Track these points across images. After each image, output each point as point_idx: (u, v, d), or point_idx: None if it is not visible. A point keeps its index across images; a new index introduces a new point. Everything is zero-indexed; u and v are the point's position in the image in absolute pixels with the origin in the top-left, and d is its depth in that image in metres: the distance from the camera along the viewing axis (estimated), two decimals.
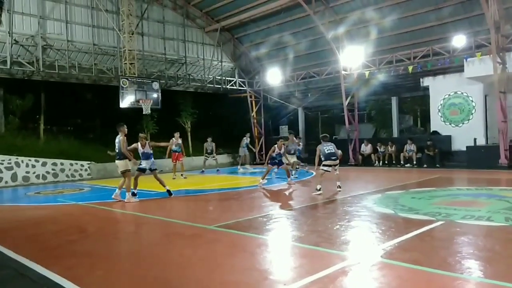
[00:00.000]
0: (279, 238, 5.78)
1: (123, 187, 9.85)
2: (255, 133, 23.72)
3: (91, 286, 3.89)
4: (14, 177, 15.34)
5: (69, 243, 5.88)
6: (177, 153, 15.54)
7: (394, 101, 23.56)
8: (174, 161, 15.57)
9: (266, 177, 12.16)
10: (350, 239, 5.49)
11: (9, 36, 15.32)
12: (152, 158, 10.36)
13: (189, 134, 24.40)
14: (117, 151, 9.66)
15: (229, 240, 5.71)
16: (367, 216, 6.85)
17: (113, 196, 9.88)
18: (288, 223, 6.82)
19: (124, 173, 9.72)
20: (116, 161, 9.78)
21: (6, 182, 15.10)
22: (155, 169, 10.42)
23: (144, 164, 10.21)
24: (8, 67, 15.38)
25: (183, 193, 11.51)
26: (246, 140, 19.03)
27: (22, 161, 15.67)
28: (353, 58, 17.68)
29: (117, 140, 9.63)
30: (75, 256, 5.10)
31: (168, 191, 10.25)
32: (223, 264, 4.55)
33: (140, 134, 10.48)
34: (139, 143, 10.18)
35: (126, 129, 9.71)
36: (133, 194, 9.90)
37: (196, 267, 4.44)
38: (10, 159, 15.40)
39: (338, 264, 4.27)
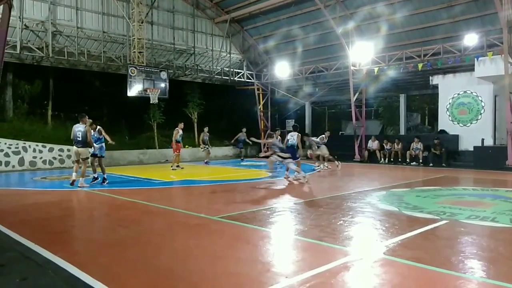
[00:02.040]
0: (282, 231, 5.79)
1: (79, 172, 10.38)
2: (261, 126, 23.69)
3: (94, 273, 3.92)
4: (21, 161, 15.49)
5: (74, 228, 5.95)
6: (180, 144, 15.61)
7: (402, 98, 23.39)
8: (176, 151, 15.41)
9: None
10: (353, 235, 5.49)
11: (20, 21, 15.36)
12: (103, 144, 11.02)
13: (195, 125, 24.43)
14: (79, 139, 10.08)
15: (233, 231, 5.73)
16: (371, 212, 6.84)
17: (79, 185, 10.14)
18: (292, 216, 6.83)
19: (85, 160, 10.31)
20: (79, 149, 10.18)
21: (13, 166, 15.25)
22: (103, 156, 11.03)
23: (95, 149, 10.85)
24: (18, 52, 15.43)
25: (188, 184, 11.57)
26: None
27: (30, 146, 15.80)
28: (362, 54, 17.56)
29: (82, 130, 10.06)
30: (80, 242, 5.16)
31: (104, 178, 10.83)
32: (226, 255, 4.58)
33: (90, 120, 10.73)
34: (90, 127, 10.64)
35: (87, 120, 10.26)
36: (95, 179, 10.76)
37: (199, 257, 4.47)
38: (17, 144, 15.54)
39: (340, 259, 4.28)
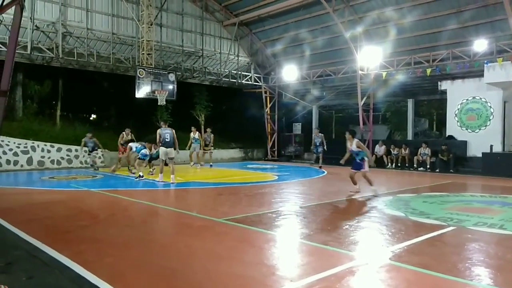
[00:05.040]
0: (287, 235, 5.78)
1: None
2: (268, 129, 23.69)
3: (99, 272, 3.94)
4: (29, 161, 15.64)
5: (80, 228, 5.98)
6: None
7: (410, 103, 23.29)
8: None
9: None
10: (358, 240, 5.46)
11: (31, 21, 15.52)
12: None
13: (202, 127, 24.49)
14: (167, 140, 11.34)
15: (238, 233, 5.73)
16: (377, 217, 6.80)
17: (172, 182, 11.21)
18: (297, 220, 6.81)
19: (172, 159, 11.69)
20: (167, 149, 11.39)
21: (22, 165, 15.40)
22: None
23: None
24: (28, 52, 15.59)
25: (193, 185, 11.61)
26: None
27: (38, 146, 15.95)
28: (370, 58, 17.50)
29: (169, 132, 11.47)
30: (85, 242, 5.18)
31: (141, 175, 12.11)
32: (230, 257, 4.58)
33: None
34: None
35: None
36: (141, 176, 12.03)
37: (203, 258, 4.47)
38: (26, 143, 15.69)
39: (345, 264, 4.26)
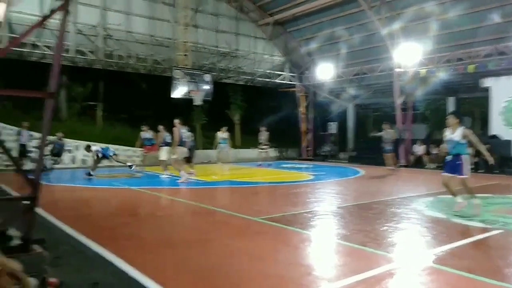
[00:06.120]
0: (324, 235, 5.73)
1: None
2: (303, 128, 23.53)
3: (141, 267, 4.06)
4: (73, 159, 16.35)
5: (122, 225, 6.17)
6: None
7: (450, 101, 22.44)
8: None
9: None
10: (398, 241, 5.34)
11: (74, 26, 16.17)
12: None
13: (237, 126, 24.66)
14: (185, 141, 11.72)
15: (274, 233, 5.74)
16: (417, 219, 6.62)
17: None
18: (334, 220, 6.74)
19: None
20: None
21: (66, 163, 16.10)
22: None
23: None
24: (72, 55, 16.25)
25: (230, 184, 11.73)
26: None
27: (81, 145, 16.62)
28: (408, 55, 17.04)
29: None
30: (128, 239, 5.34)
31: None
32: (266, 256, 4.59)
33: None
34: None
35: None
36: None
37: (239, 258, 4.52)
38: (70, 143, 16.41)
39: (384, 266, 4.18)
